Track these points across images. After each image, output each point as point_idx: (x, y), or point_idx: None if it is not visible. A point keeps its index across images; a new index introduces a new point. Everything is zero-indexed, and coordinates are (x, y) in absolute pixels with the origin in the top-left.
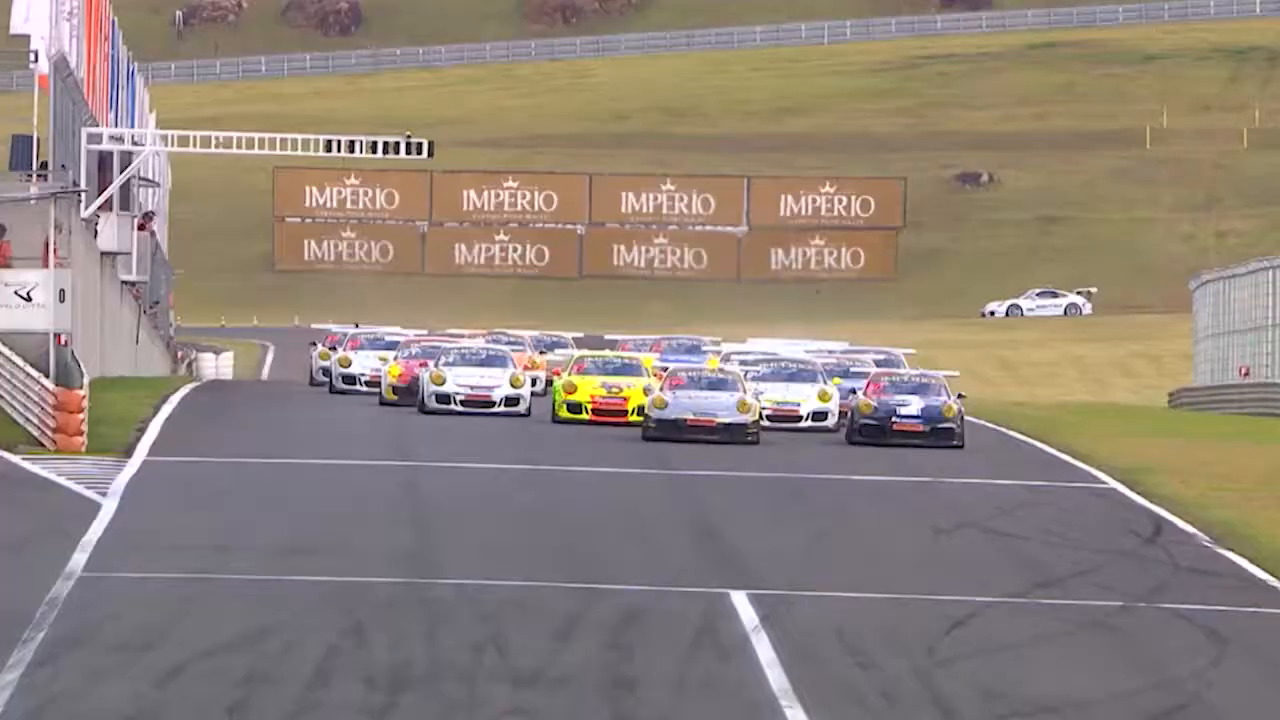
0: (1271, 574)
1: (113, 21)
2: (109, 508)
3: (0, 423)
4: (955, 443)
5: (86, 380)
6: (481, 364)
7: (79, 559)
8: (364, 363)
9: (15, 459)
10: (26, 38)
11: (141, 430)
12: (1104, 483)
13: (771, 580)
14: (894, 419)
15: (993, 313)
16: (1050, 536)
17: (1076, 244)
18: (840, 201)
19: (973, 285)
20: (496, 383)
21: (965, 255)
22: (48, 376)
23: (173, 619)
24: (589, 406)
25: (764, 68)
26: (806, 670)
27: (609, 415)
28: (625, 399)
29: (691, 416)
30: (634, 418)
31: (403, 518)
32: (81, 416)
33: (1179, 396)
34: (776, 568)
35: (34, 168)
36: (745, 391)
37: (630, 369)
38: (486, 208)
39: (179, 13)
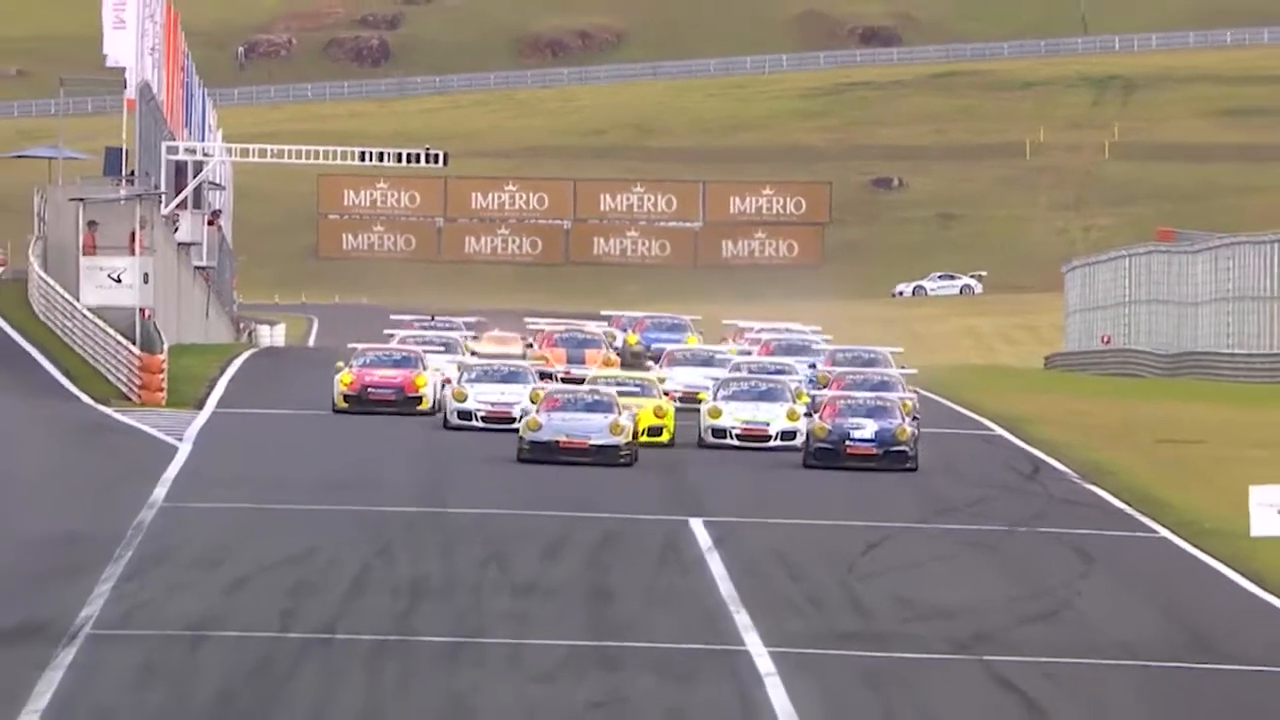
0: (1129, 505)
1: (186, 55)
2: (184, 450)
3: (96, 381)
4: (909, 465)
5: (165, 346)
6: (503, 380)
7: (159, 492)
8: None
9: (108, 410)
10: (121, 69)
11: (210, 387)
12: (992, 430)
13: (723, 511)
14: (848, 443)
15: (901, 293)
16: (948, 474)
17: (970, 237)
18: (778, 202)
19: (886, 270)
20: (517, 399)
21: (879, 246)
22: (134, 344)
23: (236, 541)
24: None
25: (717, 94)
26: (750, 582)
27: None
28: (636, 420)
29: (564, 439)
30: (644, 439)
31: (424, 462)
32: (161, 376)
33: (1053, 360)
34: (727, 502)
35: (123, 174)
36: (620, 413)
37: (641, 390)
38: (490, 207)
39: (241, 48)
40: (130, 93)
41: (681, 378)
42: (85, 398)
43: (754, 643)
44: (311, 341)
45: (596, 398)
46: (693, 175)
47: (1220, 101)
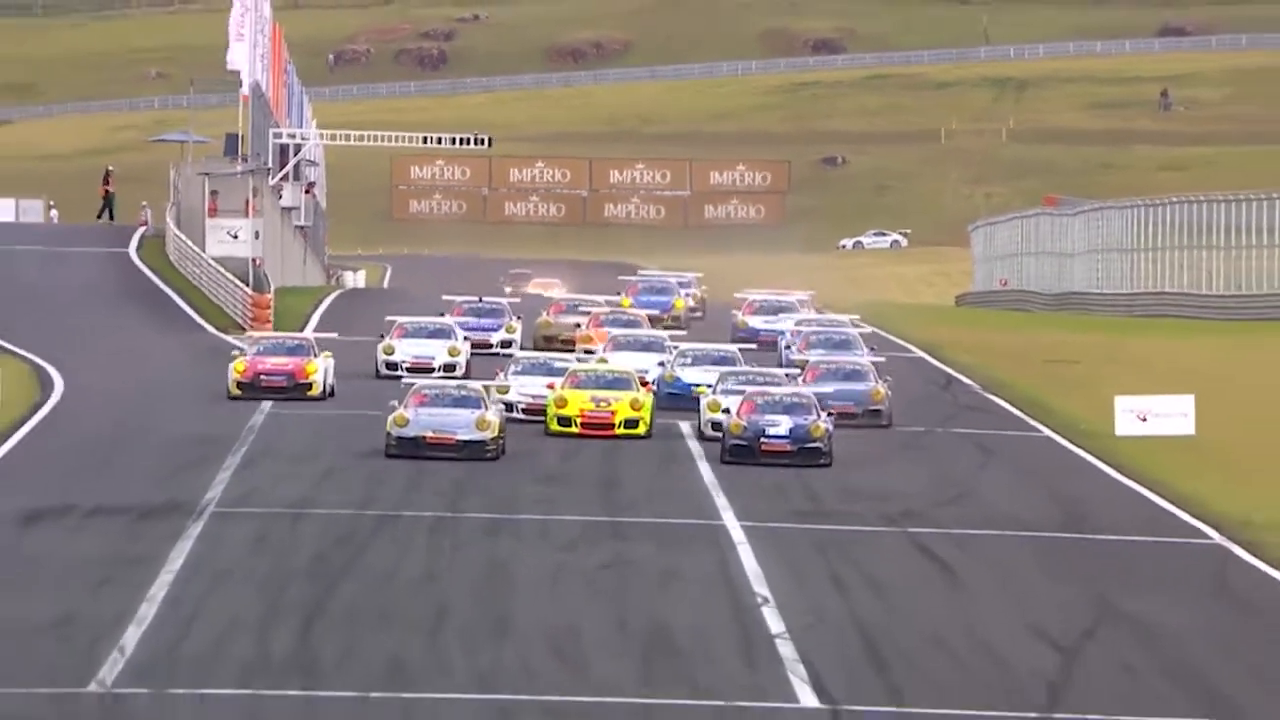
0: (1021, 411)
1: (288, 61)
2: None
3: (217, 315)
4: (823, 462)
5: (272, 288)
6: (429, 336)
7: (267, 404)
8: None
9: (227, 337)
10: (238, 72)
11: (306, 320)
12: (914, 353)
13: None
14: (762, 439)
15: (844, 246)
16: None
17: (898, 203)
18: (749, 175)
19: (832, 229)
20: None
21: (827, 210)
22: (248, 285)
23: (326, 441)
24: (578, 420)
25: (702, 91)
26: (728, 475)
27: (597, 429)
28: (613, 413)
29: (431, 434)
30: (620, 430)
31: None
32: (269, 310)
33: (962, 299)
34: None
35: (239, 154)
36: (487, 408)
37: (619, 383)
38: (525, 180)
39: (331, 56)
40: (245, 90)
41: (622, 362)
42: (209, 328)
43: (729, 520)
44: (385, 284)
45: (465, 393)
46: (682, 155)
47: (1093, 98)
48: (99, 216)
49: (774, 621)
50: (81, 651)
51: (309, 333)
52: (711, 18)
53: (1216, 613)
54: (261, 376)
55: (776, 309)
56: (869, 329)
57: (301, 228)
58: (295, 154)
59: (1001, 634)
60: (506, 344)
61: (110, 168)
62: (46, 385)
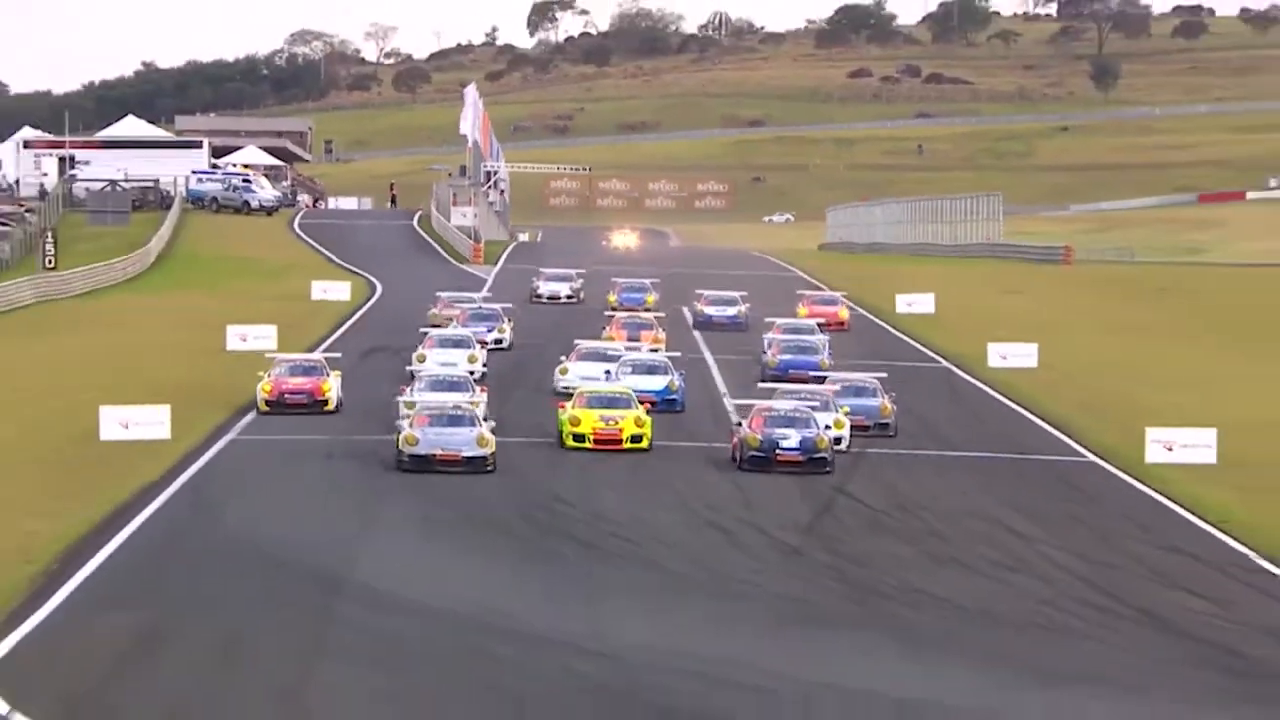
0: (873, 314)
1: (490, 129)
2: (490, 275)
3: (457, 255)
4: (827, 469)
5: (483, 240)
6: (454, 346)
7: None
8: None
9: (462, 266)
10: (464, 136)
11: (498, 260)
12: (794, 272)
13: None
14: (777, 451)
15: (767, 220)
16: (765, 293)
17: (790, 199)
18: (717, 186)
19: (758, 212)
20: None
21: (756, 203)
22: (472, 239)
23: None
24: (591, 436)
25: (692, 145)
26: (712, 339)
27: (607, 444)
28: (620, 430)
29: (440, 452)
30: (627, 444)
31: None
32: (480, 249)
33: (823, 246)
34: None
35: (467, 174)
36: (482, 425)
37: (621, 402)
38: (607, 189)
39: (512, 127)
40: (469, 144)
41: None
42: (452, 260)
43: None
44: (539, 239)
45: (459, 412)
46: (684, 176)
47: (892, 146)
48: (390, 205)
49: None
50: None
51: (318, 354)
52: (696, 110)
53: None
54: (285, 395)
55: (725, 301)
56: (846, 303)
57: (499, 212)
58: (493, 176)
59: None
60: (499, 341)
61: (393, 183)
62: (373, 288)
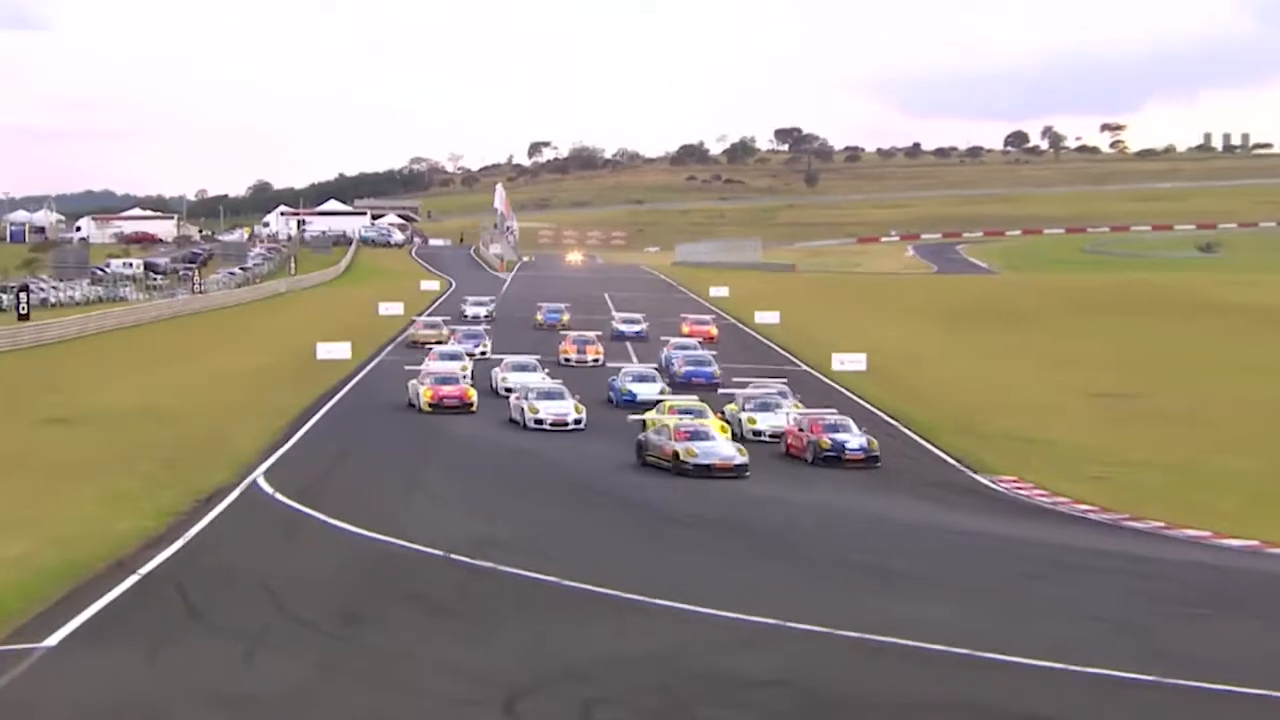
0: (685, 286)
1: (509, 204)
2: (507, 281)
3: (492, 269)
4: (878, 465)
5: (503, 260)
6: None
7: (503, 290)
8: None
9: (494, 273)
10: (494, 208)
11: (512, 269)
12: (660, 276)
13: None
14: (846, 451)
15: (648, 250)
16: (650, 293)
17: (658, 239)
18: (621, 231)
19: (642, 246)
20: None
21: (639, 241)
22: (501, 261)
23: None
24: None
25: (644, 212)
26: (627, 348)
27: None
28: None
29: (718, 461)
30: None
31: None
32: (505, 265)
33: (676, 263)
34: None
35: (496, 229)
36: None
37: (701, 414)
38: (569, 233)
39: (519, 204)
40: (497, 213)
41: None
42: (489, 270)
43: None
44: (534, 259)
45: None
46: (605, 230)
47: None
48: (459, 242)
49: None
50: None
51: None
52: (611, 194)
53: None
54: (444, 400)
55: (632, 320)
56: (714, 324)
57: (512, 246)
58: (510, 228)
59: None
60: (483, 353)
61: (462, 233)
62: (451, 283)
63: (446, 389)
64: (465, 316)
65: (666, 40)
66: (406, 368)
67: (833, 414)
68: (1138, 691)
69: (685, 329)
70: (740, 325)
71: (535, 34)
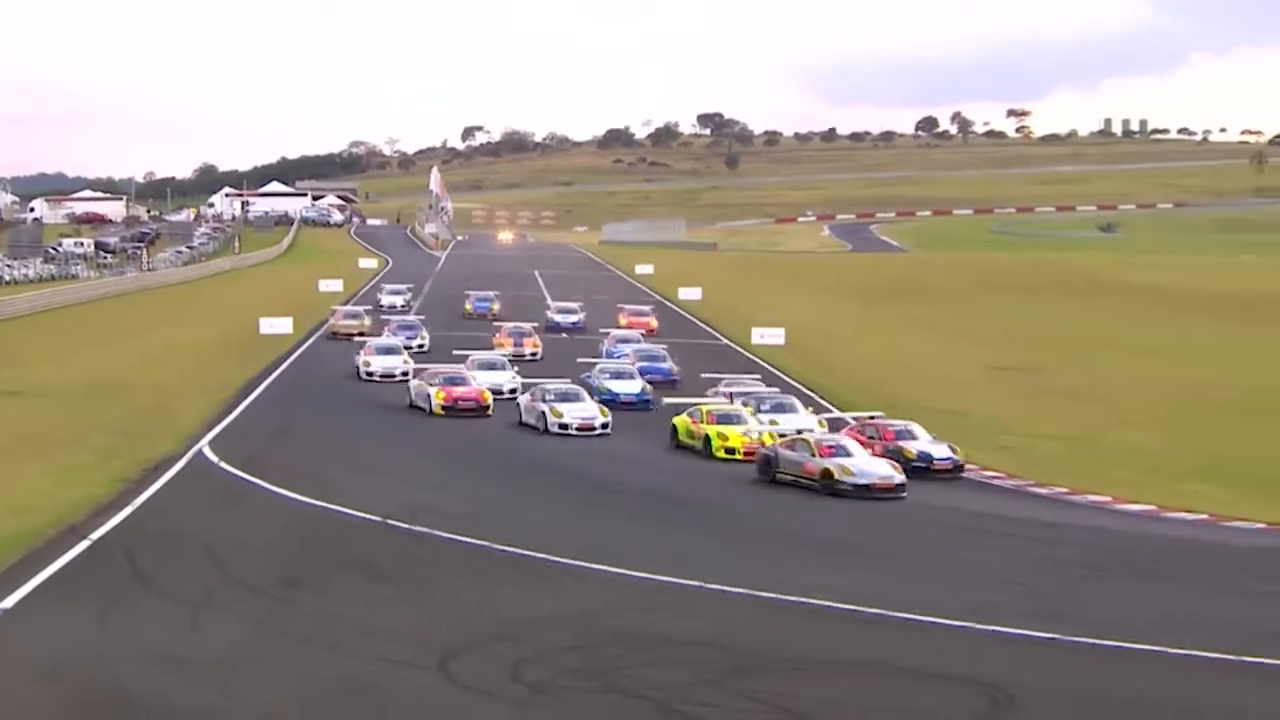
0: (612, 264)
1: (444, 186)
2: (441, 259)
3: (426, 246)
4: (961, 474)
5: (439, 238)
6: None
7: (440, 267)
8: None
9: (430, 251)
10: (430, 187)
11: (447, 247)
12: (589, 255)
13: None
14: (934, 461)
15: (576, 229)
16: (581, 270)
17: (586, 219)
18: (556, 211)
19: (570, 225)
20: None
21: (570, 221)
22: (435, 239)
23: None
24: (741, 450)
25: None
26: (566, 342)
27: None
28: (762, 441)
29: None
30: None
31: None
32: (439, 243)
33: (603, 242)
34: None
35: (431, 209)
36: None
37: (737, 418)
38: (502, 215)
39: (453, 185)
40: (432, 194)
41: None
42: (424, 249)
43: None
44: (467, 238)
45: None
46: (535, 210)
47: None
48: (396, 223)
49: None
50: None
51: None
52: (541, 176)
53: None
54: (459, 402)
55: (568, 310)
56: (655, 314)
57: (446, 225)
58: (444, 209)
59: None
60: (421, 346)
61: (399, 213)
62: (388, 261)
63: (460, 390)
64: (381, 306)
65: (595, 28)
66: (356, 340)
67: (900, 421)
68: (1046, 649)
69: (623, 320)
70: (666, 301)
71: (462, 18)
